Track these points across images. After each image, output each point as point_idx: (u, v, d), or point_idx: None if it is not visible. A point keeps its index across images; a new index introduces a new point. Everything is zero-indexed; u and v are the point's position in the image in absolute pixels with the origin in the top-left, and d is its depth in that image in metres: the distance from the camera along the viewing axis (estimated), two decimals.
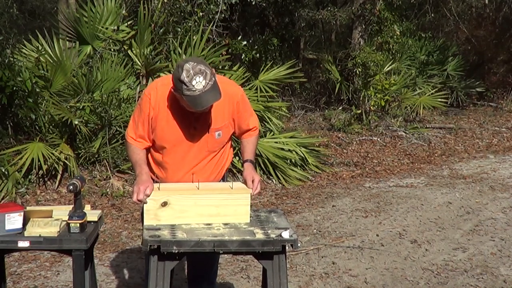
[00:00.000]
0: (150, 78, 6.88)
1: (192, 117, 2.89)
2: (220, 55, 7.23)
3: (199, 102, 2.68)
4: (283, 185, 6.97)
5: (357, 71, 10.29)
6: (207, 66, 2.71)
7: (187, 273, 3.64)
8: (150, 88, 2.96)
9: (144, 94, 2.96)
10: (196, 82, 2.64)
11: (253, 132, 3.17)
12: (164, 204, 2.74)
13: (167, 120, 2.91)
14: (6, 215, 2.65)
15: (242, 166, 3.14)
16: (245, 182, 2.95)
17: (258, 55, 9.69)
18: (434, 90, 10.92)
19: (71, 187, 2.70)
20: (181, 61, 2.73)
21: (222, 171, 3.16)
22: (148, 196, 2.74)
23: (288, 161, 7.20)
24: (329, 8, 10.76)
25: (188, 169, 3.00)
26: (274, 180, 7.03)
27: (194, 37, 6.99)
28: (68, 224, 2.73)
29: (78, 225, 2.71)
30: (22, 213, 2.70)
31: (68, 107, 6.27)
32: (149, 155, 3.10)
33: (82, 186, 2.78)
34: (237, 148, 5.06)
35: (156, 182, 2.94)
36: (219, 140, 3.01)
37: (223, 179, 3.20)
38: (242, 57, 9.33)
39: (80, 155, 6.32)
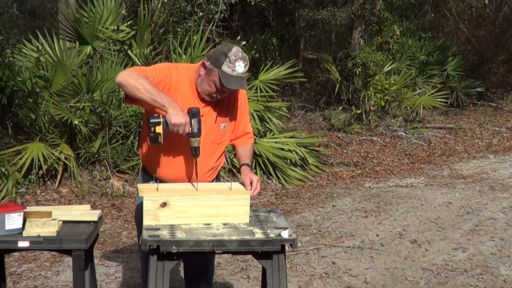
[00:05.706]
0: None
1: (201, 106, 2.92)
2: None
3: (231, 82, 2.80)
4: (283, 185, 6.96)
5: (357, 71, 10.28)
6: None
7: (183, 274, 3.64)
8: (174, 65, 3.02)
9: (171, 64, 3.02)
10: (239, 65, 2.81)
11: (249, 140, 3.21)
12: (164, 204, 2.74)
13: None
14: (6, 215, 2.65)
15: (239, 171, 3.14)
16: (243, 185, 2.94)
17: (258, 55, 9.68)
18: (434, 90, 10.91)
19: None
20: (227, 43, 2.83)
21: (217, 170, 3.18)
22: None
23: (288, 161, 7.20)
24: (329, 8, 10.75)
25: (191, 160, 2.95)
26: (274, 180, 7.03)
27: (194, 37, 6.99)
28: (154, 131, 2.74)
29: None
30: (22, 213, 2.70)
31: (68, 107, 6.27)
32: (147, 148, 3.05)
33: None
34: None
35: (157, 182, 2.92)
36: (223, 132, 3.04)
37: (217, 179, 3.22)
38: None
39: (80, 155, 6.32)
